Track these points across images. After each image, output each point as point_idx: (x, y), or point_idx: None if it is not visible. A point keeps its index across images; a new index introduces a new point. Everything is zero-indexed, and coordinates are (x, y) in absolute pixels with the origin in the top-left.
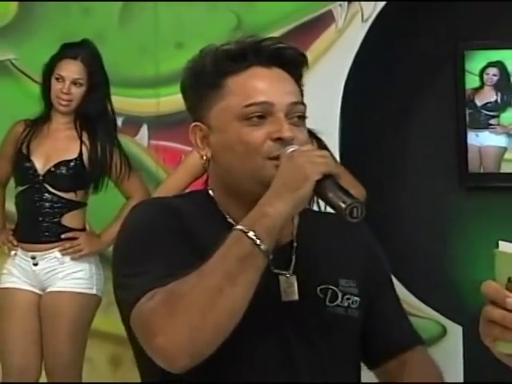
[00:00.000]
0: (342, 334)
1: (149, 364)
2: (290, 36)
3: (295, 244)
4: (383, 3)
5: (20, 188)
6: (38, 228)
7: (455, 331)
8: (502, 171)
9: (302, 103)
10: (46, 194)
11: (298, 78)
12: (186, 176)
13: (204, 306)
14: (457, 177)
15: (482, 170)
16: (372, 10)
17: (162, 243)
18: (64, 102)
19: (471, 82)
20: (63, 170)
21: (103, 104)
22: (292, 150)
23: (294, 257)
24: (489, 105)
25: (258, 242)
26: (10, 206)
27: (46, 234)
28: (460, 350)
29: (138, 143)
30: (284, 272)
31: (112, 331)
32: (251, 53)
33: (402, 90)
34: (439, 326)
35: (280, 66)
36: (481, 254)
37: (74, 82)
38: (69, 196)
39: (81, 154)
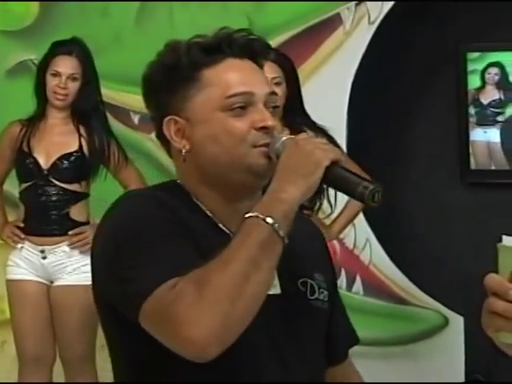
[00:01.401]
0: (321, 328)
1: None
2: (299, 37)
3: None
4: (389, 6)
5: (24, 185)
6: (46, 221)
7: (457, 321)
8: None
9: (276, 93)
10: (52, 188)
11: (261, 69)
12: None
13: (232, 292)
14: (458, 173)
15: (492, 166)
16: (378, 13)
17: (163, 234)
18: (61, 97)
19: (474, 82)
20: (66, 162)
21: (96, 97)
22: (286, 138)
23: None
24: (493, 102)
25: (276, 226)
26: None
27: (55, 227)
28: (461, 340)
29: (154, 140)
30: None
31: None
32: (225, 45)
33: (406, 90)
34: (441, 317)
35: (250, 57)
36: (483, 246)
37: (70, 77)
38: (74, 187)
39: (80, 146)
